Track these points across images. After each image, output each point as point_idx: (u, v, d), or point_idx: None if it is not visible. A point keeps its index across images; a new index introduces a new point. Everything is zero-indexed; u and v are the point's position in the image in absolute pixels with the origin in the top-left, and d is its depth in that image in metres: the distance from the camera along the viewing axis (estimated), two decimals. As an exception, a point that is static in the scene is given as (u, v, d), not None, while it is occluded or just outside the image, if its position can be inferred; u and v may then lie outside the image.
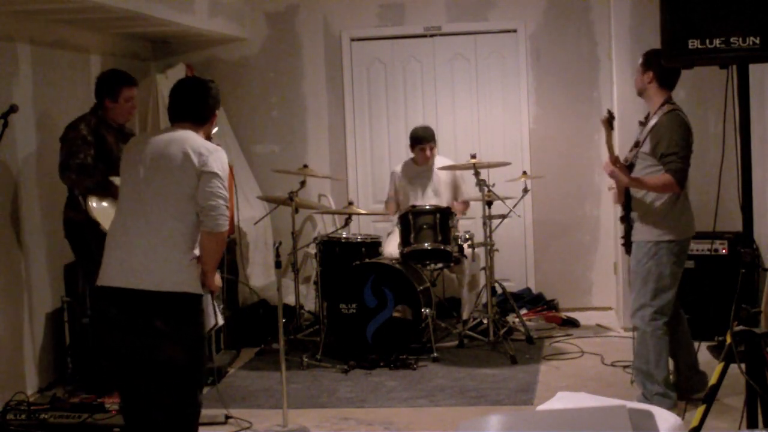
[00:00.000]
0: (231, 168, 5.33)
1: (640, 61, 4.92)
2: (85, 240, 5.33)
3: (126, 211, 3.93)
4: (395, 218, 6.72)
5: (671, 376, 5.06)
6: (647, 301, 4.84)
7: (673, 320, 4.99)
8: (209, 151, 3.85)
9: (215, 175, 3.82)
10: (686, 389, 4.93)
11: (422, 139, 6.82)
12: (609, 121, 4.95)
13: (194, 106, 4.00)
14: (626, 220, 4.97)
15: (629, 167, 4.91)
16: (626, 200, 4.95)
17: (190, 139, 3.89)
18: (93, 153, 5.26)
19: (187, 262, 3.84)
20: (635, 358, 4.96)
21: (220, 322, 4.05)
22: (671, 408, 4.72)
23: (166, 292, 3.81)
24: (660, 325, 4.82)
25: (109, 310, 3.92)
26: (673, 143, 4.72)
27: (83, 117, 5.43)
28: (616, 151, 4.96)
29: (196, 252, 3.89)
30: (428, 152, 6.82)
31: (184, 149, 3.84)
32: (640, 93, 4.95)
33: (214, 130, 4.19)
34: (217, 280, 4.02)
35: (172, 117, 4.03)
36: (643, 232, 4.87)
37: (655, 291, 4.82)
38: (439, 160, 6.95)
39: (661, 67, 4.70)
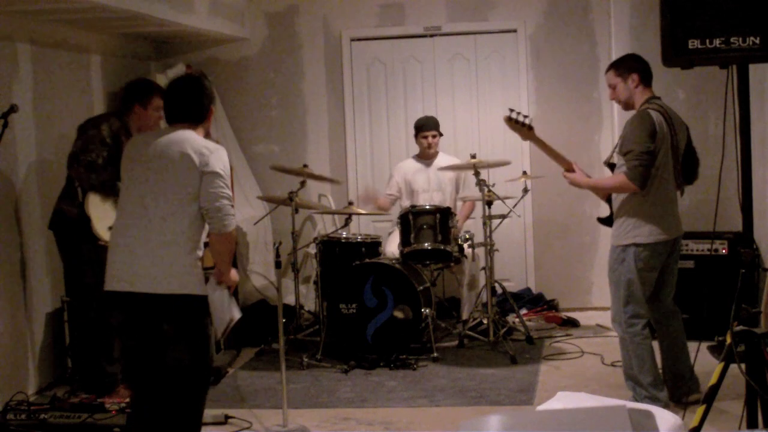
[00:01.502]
0: (231, 168, 5.35)
1: (613, 73, 4.83)
2: (72, 234, 5.31)
3: (127, 213, 3.94)
4: (395, 218, 6.74)
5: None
6: (621, 307, 4.79)
7: (663, 326, 4.96)
8: (210, 150, 3.86)
9: (217, 174, 3.83)
10: (673, 393, 4.88)
11: (426, 127, 6.88)
12: (513, 120, 4.95)
13: (190, 106, 4.00)
14: (607, 220, 4.97)
15: (611, 167, 4.91)
16: (610, 203, 4.97)
17: (190, 139, 3.90)
18: (106, 155, 5.25)
19: (191, 264, 3.85)
20: (623, 364, 4.93)
21: (237, 315, 4.07)
22: None
23: (171, 294, 3.82)
24: (638, 330, 4.75)
25: (116, 314, 3.95)
26: (630, 141, 4.66)
27: (107, 117, 5.43)
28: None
29: (200, 253, 3.90)
30: (431, 140, 6.86)
31: (184, 150, 3.85)
32: (628, 103, 4.84)
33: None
34: (233, 274, 4.03)
35: (168, 118, 4.04)
36: (614, 236, 4.84)
37: (627, 297, 4.76)
38: (443, 158, 6.97)
39: (643, 67, 4.74)
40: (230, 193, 3.88)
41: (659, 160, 4.68)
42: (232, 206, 3.88)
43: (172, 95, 4.05)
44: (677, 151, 4.78)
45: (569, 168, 5.05)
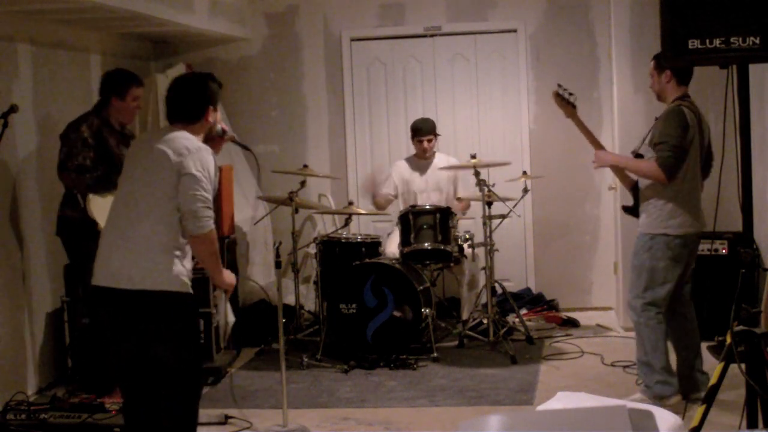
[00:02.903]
0: (230, 168, 5.33)
1: (652, 65, 4.95)
2: (79, 238, 5.31)
3: (115, 211, 3.99)
4: (395, 218, 6.73)
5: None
6: (639, 293, 4.88)
7: (678, 316, 5.00)
8: (189, 151, 3.85)
9: (193, 177, 3.81)
10: (685, 389, 4.93)
11: (421, 131, 6.86)
12: (561, 96, 5.00)
13: (184, 105, 4.00)
14: (633, 209, 5.01)
15: (638, 157, 4.95)
16: (635, 193, 5.00)
17: (176, 139, 3.89)
18: (93, 155, 5.24)
19: (167, 261, 3.83)
20: (636, 351, 4.99)
21: (231, 320, 4.06)
22: (673, 395, 4.77)
23: (148, 290, 3.82)
24: (653, 315, 4.84)
25: (100, 310, 3.95)
26: (664, 134, 4.76)
27: (85, 117, 5.40)
28: (614, 148, 4.99)
29: (180, 252, 3.88)
30: (426, 144, 6.85)
31: (165, 151, 3.85)
32: (660, 95, 4.96)
33: (219, 126, 4.16)
34: (227, 276, 4.02)
35: (167, 117, 4.06)
36: (642, 224, 4.93)
37: (648, 284, 4.85)
38: (441, 158, 6.97)
39: None
40: (207, 195, 3.84)
41: (691, 155, 4.79)
42: (209, 207, 3.85)
43: (171, 94, 4.05)
44: (702, 149, 4.91)
45: (597, 145, 5.11)
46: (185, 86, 4.08)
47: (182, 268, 3.88)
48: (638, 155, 4.95)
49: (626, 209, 5.19)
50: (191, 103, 4.01)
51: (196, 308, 4.01)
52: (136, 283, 3.82)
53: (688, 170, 4.82)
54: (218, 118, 4.15)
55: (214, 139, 4.15)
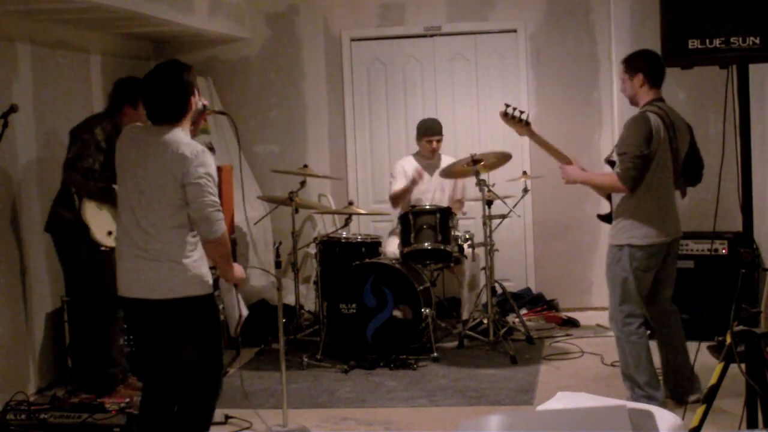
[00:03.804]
0: (230, 168, 5.31)
1: (623, 68, 4.79)
2: (69, 239, 5.30)
3: (124, 222, 3.98)
4: (395, 218, 6.73)
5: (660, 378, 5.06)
6: (617, 306, 4.81)
7: (663, 321, 4.96)
8: (189, 159, 3.80)
9: (198, 184, 3.80)
10: (674, 393, 4.90)
11: (431, 131, 6.86)
12: (510, 115, 4.95)
13: (168, 106, 3.90)
14: (606, 217, 4.98)
15: (611, 164, 4.91)
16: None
17: (172, 143, 3.83)
18: (102, 159, 5.24)
19: (186, 267, 3.87)
20: (620, 362, 4.95)
21: (245, 313, 4.09)
22: None
23: (172, 299, 3.86)
24: (633, 330, 4.77)
25: (126, 318, 4.00)
26: (626, 143, 4.65)
27: (99, 120, 5.38)
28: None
29: (196, 254, 3.90)
30: (435, 144, 6.84)
31: (164, 162, 3.81)
32: (632, 100, 4.83)
33: (200, 103, 4.04)
34: (238, 270, 4.04)
35: (149, 116, 3.94)
36: (611, 235, 4.86)
37: (623, 296, 4.78)
38: (446, 159, 6.95)
39: (650, 67, 4.65)
40: (215, 198, 3.83)
41: (656, 162, 4.67)
42: (219, 210, 3.85)
43: (149, 93, 3.94)
44: (677, 154, 4.77)
45: (569, 164, 5.06)
46: (162, 85, 3.92)
47: (204, 270, 3.93)
48: (611, 162, 4.89)
49: (601, 217, 5.10)
50: (174, 101, 3.90)
51: (218, 307, 4.05)
52: (163, 293, 3.86)
53: (654, 179, 4.69)
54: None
55: (195, 119, 4.03)
